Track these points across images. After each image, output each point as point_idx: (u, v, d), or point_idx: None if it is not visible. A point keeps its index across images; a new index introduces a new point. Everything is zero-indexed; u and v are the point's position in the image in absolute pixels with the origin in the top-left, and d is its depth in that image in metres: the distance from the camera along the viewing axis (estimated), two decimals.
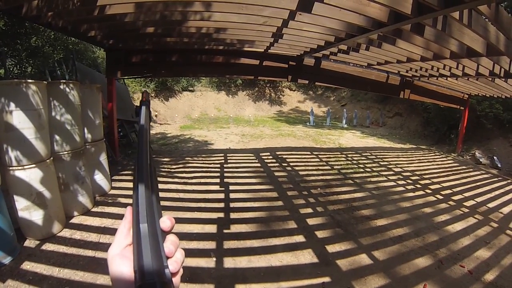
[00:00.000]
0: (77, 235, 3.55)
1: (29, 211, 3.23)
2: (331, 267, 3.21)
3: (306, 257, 3.38)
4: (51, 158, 3.56)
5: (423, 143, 12.78)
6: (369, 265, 3.30)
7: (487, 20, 3.17)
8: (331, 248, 3.59)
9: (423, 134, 14.12)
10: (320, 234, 3.95)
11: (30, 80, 3.27)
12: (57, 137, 3.86)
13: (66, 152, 3.94)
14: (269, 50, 6.56)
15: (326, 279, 2.98)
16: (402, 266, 3.31)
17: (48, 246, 3.27)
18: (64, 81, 4.27)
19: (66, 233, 3.57)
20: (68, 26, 4.88)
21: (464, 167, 8.80)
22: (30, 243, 3.29)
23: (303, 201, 5.07)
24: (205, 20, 4.20)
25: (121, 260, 0.42)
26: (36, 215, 3.27)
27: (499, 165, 9.01)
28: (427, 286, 2.96)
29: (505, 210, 5.33)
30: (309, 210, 4.72)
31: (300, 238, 3.79)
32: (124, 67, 6.80)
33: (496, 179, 7.68)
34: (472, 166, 9.00)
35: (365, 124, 17.44)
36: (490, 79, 6.38)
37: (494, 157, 9.37)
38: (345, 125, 16.56)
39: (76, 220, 3.93)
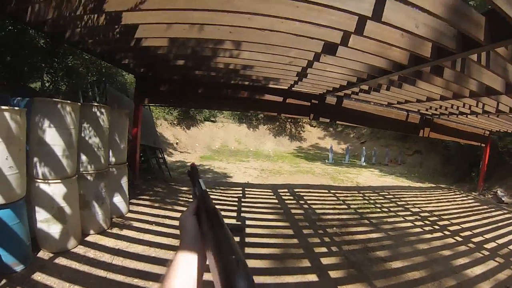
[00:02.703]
0: (91, 253, 3.57)
1: (48, 224, 3.32)
2: None
3: None
4: (76, 176, 3.72)
5: (442, 182, 12.28)
6: None
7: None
8: None
9: (443, 172, 13.66)
10: (333, 274, 3.77)
11: (66, 101, 3.52)
12: (83, 157, 4.04)
13: (90, 172, 4.10)
14: (292, 88, 6.74)
15: None
16: None
17: (61, 260, 3.30)
18: (96, 104, 4.56)
19: (80, 250, 3.60)
20: (105, 53, 5.30)
21: (485, 206, 8.30)
22: (43, 254, 3.35)
23: (318, 240, 4.91)
24: (234, 57, 4.45)
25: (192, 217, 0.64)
26: (54, 229, 3.35)
27: None
28: None
29: None
30: (324, 249, 4.55)
31: (313, 277, 3.63)
32: (152, 95, 7.17)
33: None
34: (494, 206, 8.49)
35: (384, 162, 17.08)
36: (511, 115, 6.21)
37: None
38: (364, 163, 16.29)
39: (91, 238, 3.97)
